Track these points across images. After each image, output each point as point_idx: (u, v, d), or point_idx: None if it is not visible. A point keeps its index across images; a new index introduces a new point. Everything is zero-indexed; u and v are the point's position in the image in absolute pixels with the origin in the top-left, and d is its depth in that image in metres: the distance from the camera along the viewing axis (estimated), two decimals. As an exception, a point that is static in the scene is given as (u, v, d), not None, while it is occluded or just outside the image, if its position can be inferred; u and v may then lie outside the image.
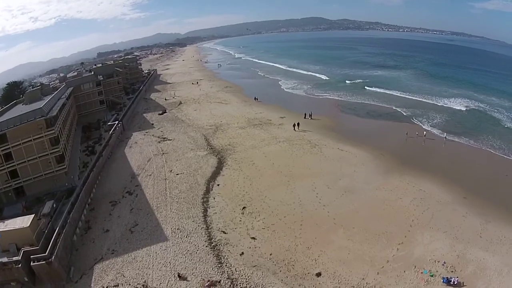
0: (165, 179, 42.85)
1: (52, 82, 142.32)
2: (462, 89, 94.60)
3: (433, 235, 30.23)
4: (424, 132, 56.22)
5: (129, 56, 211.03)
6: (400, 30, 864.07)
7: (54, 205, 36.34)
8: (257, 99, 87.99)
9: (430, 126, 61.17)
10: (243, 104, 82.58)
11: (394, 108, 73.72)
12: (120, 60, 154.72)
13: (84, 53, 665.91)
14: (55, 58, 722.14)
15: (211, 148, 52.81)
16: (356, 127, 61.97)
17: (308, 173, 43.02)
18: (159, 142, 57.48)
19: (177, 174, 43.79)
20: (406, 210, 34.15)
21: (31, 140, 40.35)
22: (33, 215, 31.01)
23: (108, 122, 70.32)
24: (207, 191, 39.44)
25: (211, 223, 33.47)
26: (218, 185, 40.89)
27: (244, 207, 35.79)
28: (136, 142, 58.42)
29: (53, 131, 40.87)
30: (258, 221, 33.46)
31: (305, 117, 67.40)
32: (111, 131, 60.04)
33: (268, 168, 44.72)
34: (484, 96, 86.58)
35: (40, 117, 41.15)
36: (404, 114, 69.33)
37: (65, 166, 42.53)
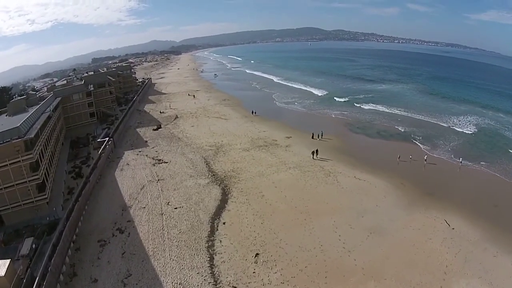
0: (162, 214, 36.88)
1: (45, 86, 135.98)
2: (468, 105, 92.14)
3: (468, 282, 26.49)
4: (425, 156, 52.07)
5: (123, 64, 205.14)
6: (395, 41, 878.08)
7: (34, 245, 30.64)
8: (255, 113, 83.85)
9: (445, 150, 56.64)
10: (244, 120, 77.28)
11: (402, 129, 68.85)
12: (113, 67, 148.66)
13: (79, 58, 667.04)
14: (51, 62, 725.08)
15: (213, 174, 46.89)
16: (368, 150, 57.21)
17: (326, 208, 37.70)
18: (153, 164, 51.45)
19: (176, 208, 37.84)
20: (439, 254, 29.73)
21: (7, 164, 34.62)
22: (9, 261, 25.80)
23: (98, 137, 64.59)
24: (212, 231, 33.60)
25: (219, 276, 27.72)
26: (223, 223, 35.08)
27: (257, 254, 30.14)
28: (128, 164, 52.32)
29: (31, 155, 34.98)
30: (275, 272, 27.89)
31: (312, 137, 62.49)
32: (100, 149, 54.09)
33: (280, 202, 39.22)
34: (492, 112, 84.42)
35: (16, 139, 35.35)
36: (415, 136, 64.39)
37: (46, 196, 36.65)
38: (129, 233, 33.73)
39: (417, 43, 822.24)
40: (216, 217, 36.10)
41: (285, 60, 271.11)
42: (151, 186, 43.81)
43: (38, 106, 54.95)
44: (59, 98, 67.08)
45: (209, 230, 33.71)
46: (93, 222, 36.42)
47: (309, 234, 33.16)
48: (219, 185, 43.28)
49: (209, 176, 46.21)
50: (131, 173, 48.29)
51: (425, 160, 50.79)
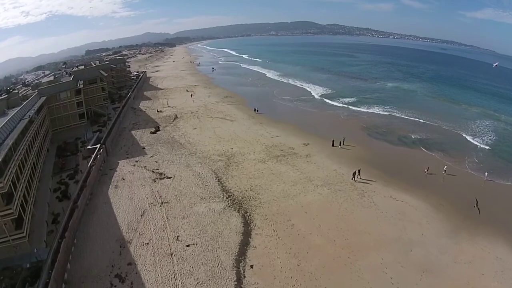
0: (171, 254, 29.08)
1: (36, 80, 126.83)
2: (480, 108, 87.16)
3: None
4: (445, 167, 46.21)
5: (117, 56, 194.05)
6: (390, 36, 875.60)
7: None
8: (257, 110, 77.89)
9: (469, 162, 50.55)
10: (252, 122, 69.64)
11: (419, 136, 61.79)
12: (106, 60, 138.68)
13: (73, 50, 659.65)
14: (44, 54, 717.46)
15: (228, 196, 38.88)
16: (394, 160, 50.28)
17: (370, 241, 30.99)
18: (154, 180, 43.17)
19: (188, 246, 29.99)
20: (495, 292, 25.01)
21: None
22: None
23: (88, 142, 56.49)
24: (239, 280, 26.05)
25: None
26: (251, 267, 27.60)
27: (300, 314, 23.02)
28: (123, 179, 43.96)
29: (1, 185, 26.85)
30: None
31: (333, 145, 55.48)
32: (91, 160, 46.01)
33: (315, 233, 32.05)
34: (504, 116, 79.33)
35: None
36: (434, 145, 57.69)
37: (24, 233, 28.59)
38: (131, 283, 25.99)
39: (412, 39, 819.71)
40: (241, 258, 28.51)
41: (282, 55, 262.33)
42: (154, 211, 35.75)
43: (19, 108, 47.01)
44: (44, 98, 58.63)
45: (234, 278, 26.15)
46: (85, 263, 28.61)
47: (357, 278, 26.58)
48: (238, 211, 35.48)
49: (224, 198, 38.22)
50: (128, 192, 40.10)
51: (444, 171, 45.37)
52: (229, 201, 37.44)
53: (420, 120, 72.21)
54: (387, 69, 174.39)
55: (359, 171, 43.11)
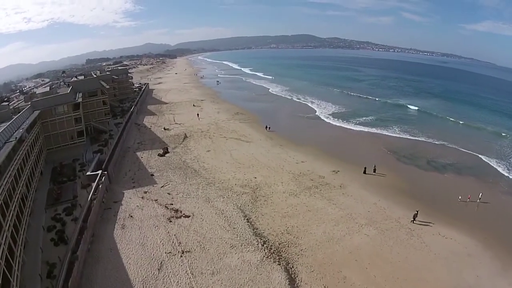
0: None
1: (35, 88, 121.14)
2: (495, 127, 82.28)
3: None
4: (480, 194, 41.84)
5: (119, 67, 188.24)
6: (390, 50, 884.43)
7: None
8: (269, 128, 72.94)
9: (496, 187, 47.15)
10: (270, 144, 63.11)
11: (447, 161, 56.50)
12: (107, 70, 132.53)
13: (73, 59, 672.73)
14: (45, 62, 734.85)
15: (263, 241, 31.75)
16: (431, 189, 45.22)
17: (428, 291, 25.07)
18: (169, 219, 35.85)
19: (224, 318, 23.12)
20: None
21: None
22: None
23: (88, 164, 49.93)
24: None
25: None
26: None
27: None
28: (131, 216, 36.61)
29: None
30: None
31: (365, 172, 49.36)
32: (91, 193, 38.99)
33: (371, 286, 26.01)
34: None
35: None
36: (461, 170, 52.91)
37: None
38: None
39: (412, 53, 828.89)
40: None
41: (285, 68, 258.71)
42: (174, 264, 28.51)
43: (6, 125, 40.38)
44: (38, 112, 51.99)
45: None
46: None
47: None
48: (279, 263, 28.44)
49: (259, 245, 31.05)
50: (139, 236, 32.82)
51: (479, 198, 41.51)
52: (265, 250, 30.36)
53: (444, 143, 66.32)
54: (395, 84, 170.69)
55: (417, 213, 36.56)
